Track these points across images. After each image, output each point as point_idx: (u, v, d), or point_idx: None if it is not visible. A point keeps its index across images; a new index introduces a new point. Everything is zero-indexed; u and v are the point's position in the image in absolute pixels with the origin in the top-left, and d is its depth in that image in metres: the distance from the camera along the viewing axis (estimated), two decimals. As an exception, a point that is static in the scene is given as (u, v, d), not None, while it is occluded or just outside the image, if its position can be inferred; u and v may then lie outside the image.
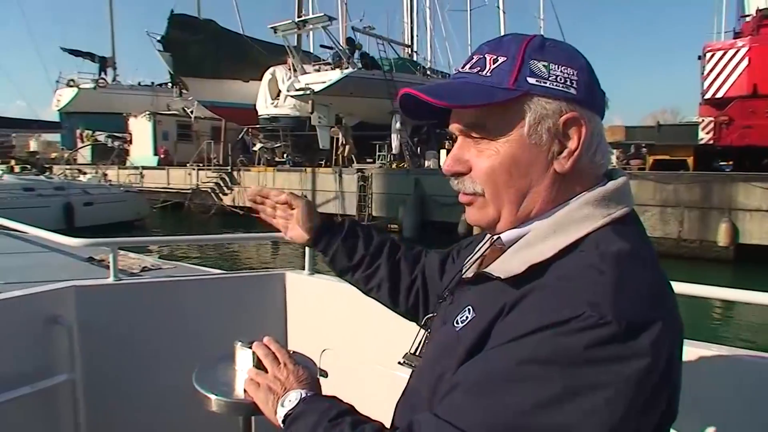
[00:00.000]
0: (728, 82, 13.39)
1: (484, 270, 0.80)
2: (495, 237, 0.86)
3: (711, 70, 13.63)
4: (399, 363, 1.03)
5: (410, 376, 0.89)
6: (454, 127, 0.82)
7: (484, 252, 0.92)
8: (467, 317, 0.80)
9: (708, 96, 13.79)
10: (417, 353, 1.02)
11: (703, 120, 13.91)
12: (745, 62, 13.11)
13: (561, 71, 0.75)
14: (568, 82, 0.75)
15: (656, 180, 12.57)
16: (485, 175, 0.79)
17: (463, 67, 0.81)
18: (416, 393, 0.85)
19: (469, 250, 1.03)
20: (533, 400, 0.64)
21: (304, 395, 0.90)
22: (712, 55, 13.63)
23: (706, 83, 13.75)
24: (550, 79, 0.74)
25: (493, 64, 0.77)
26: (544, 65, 0.75)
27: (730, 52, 13.38)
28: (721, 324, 8.78)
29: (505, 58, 0.76)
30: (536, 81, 0.74)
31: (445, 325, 0.86)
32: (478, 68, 0.78)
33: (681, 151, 14.23)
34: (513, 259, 0.76)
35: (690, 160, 13.92)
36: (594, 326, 0.64)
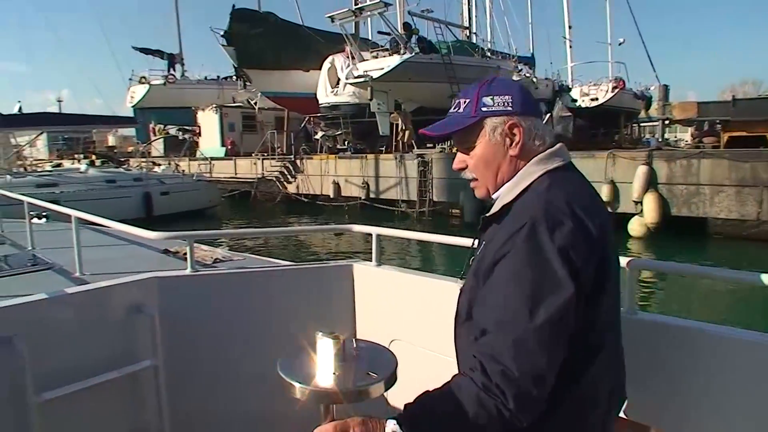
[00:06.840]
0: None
1: (485, 215, 1.32)
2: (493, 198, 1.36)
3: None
4: (459, 278, 1.41)
5: (459, 295, 1.31)
6: (454, 143, 1.35)
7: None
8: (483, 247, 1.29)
9: (791, 66, 12.82)
10: (463, 275, 1.39)
11: (785, 92, 12.96)
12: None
13: (501, 99, 1.26)
14: (506, 104, 1.25)
15: (731, 158, 11.85)
16: (473, 167, 1.32)
17: (451, 109, 1.31)
18: (460, 313, 1.28)
19: None
20: (521, 291, 1.06)
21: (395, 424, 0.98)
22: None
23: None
24: (495, 105, 1.26)
25: (464, 104, 1.29)
26: (490, 98, 1.26)
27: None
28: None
29: (469, 100, 1.28)
30: (487, 108, 1.26)
31: (476, 257, 1.30)
32: (457, 108, 1.31)
33: (759, 126, 13.33)
34: (496, 205, 1.28)
35: (770, 136, 13.05)
36: (531, 227, 1.10)
